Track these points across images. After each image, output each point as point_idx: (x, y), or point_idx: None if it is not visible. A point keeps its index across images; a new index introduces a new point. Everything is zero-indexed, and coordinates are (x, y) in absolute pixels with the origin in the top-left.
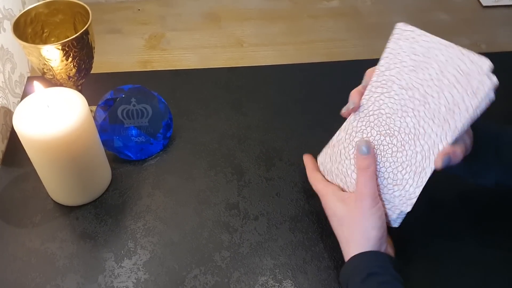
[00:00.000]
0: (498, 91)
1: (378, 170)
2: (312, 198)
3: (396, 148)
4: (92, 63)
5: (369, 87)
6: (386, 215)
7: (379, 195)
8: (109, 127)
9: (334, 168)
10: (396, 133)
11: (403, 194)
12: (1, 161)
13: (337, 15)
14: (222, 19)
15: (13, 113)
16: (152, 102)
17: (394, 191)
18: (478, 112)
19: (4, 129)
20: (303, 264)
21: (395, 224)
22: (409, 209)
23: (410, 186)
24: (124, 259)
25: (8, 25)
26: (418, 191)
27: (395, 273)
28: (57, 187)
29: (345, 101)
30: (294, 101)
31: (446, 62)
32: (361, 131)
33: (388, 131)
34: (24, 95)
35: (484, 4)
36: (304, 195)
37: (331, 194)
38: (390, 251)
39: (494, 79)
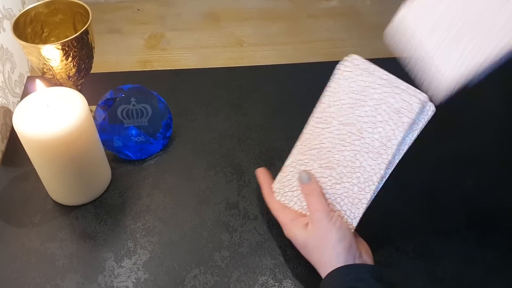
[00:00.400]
0: (497, 91)
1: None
2: None
3: (335, 180)
4: (92, 63)
5: (312, 122)
6: (346, 220)
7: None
8: (108, 126)
9: (289, 195)
10: (335, 166)
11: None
12: (1, 160)
13: (336, 15)
14: (222, 19)
15: (13, 112)
16: (152, 102)
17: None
18: (410, 141)
19: (4, 129)
20: (303, 263)
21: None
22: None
23: (347, 217)
24: (124, 259)
25: (8, 25)
26: (355, 222)
27: (373, 282)
28: (57, 186)
29: None
30: (293, 101)
31: (380, 100)
32: (304, 164)
33: (328, 164)
34: (24, 94)
35: None
36: None
37: (290, 222)
38: (366, 258)
39: (429, 110)
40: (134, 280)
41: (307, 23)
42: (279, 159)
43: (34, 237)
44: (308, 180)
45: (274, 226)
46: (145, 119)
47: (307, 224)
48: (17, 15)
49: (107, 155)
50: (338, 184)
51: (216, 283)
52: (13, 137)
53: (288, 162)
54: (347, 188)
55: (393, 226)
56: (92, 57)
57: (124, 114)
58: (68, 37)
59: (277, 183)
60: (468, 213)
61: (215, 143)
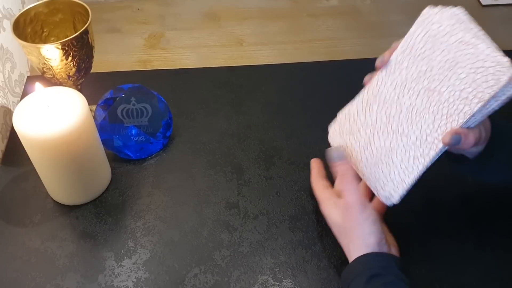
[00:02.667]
0: None
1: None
2: (312, 197)
3: (401, 129)
4: (91, 63)
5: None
6: (401, 178)
7: (389, 153)
8: (109, 126)
9: (349, 138)
10: (403, 116)
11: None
12: (1, 160)
13: (336, 14)
14: (222, 18)
15: (13, 112)
16: (152, 101)
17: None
18: (495, 105)
19: (4, 128)
20: (303, 263)
21: (395, 199)
22: (416, 172)
23: (402, 175)
24: (124, 258)
25: (7, 25)
26: (409, 183)
27: (399, 273)
28: (57, 186)
29: (345, 100)
30: (293, 100)
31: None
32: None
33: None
34: (24, 94)
35: (484, 3)
36: (304, 194)
37: (328, 200)
38: (394, 251)
39: None
40: (135, 280)
41: (307, 22)
42: (279, 158)
43: (34, 237)
44: (340, 158)
45: (274, 225)
46: (145, 118)
47: (341, 205)
48: (17, 15)
49: (107, 155)
50: (403, 134)
51: (216, 282)
52: (13, 136)
53: (351, 105)
54: (412, 141)
55: (393, 226)
56: (92, 57)
57: (124, 114)
58: (68, 37)
59: (335, 126)
60: (468, 213)
61: (215, 142)
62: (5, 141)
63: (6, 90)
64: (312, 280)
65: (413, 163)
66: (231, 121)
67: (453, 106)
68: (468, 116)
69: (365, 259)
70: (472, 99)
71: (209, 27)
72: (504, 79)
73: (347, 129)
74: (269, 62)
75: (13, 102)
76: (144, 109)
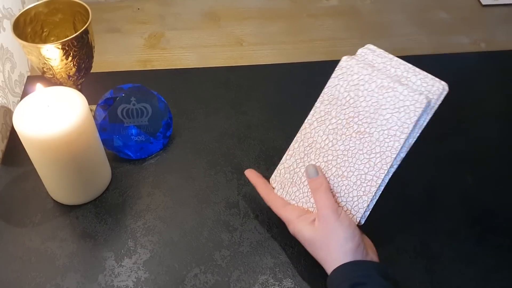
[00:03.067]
0: (497, 90)
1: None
2: None
3: (340, 172)
4: (91, 62)
5: (312, 114)
6: (352, 214)
7: (339, 193)
8: (109, 126)
9: (292, 190)
10: (339, 159)
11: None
12: (1, 160)
13: (336, 14)
14: (222, 18)
15: (13, 112)
16: (152, 101)
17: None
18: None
19: (4, 128)
20: (303, 262)
21: (363, 220)
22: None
23: (355, 212)
24: (124, 258)
25: (7, 24)
26: (362, 219)
27: (380, 279)
28: (57, 186)
29: None
30: (293, 100)
31: (387, 90)
32: (306, 158)
33: (331, 158)
34: (24, 94)
35: (484, 2)
36: None
37: (296, 219)
38: (373, 256)
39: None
40: (135, 280)
41: (307, 22)
42: (279, 158)
43: (34, 237)
44: (315, 174)
45: (274, 225)
46: (145, 118)
47: (313, 220)
48: (17, 15)
49: (107, 155)
50: (344, 177)
51: (216, 282)
52: (13, 136)
53: (287, 157)
54: (353, 182)
55: (394, 226)
56: (92, 57)
57: (124, 114)
58: (68, 37)
59: (277, 180)
60: (468, 213)
61: (215, 142)
62: (5, 141)
63: (6, 90)
64: (312, 280)
65: (358, 201)
66: (231, 121)
67: (384, 144)
68: (398, 150)
69: (344, 270)
70: (399, 135)
71: (209, 27)
72: (419, 111)
73: (289, 181)
74: (269, 62)
75: (13, 102)
76: (144, 109)
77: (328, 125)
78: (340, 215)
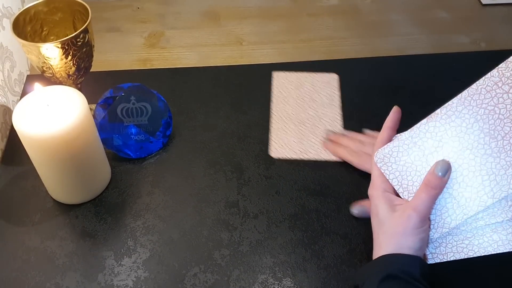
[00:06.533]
0: None
1: (460, 164)
2: (312, 196)
3: (490, 152)
4: (91, 62)
5: (496, 78)
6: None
7: (445, 193)
8: (108, 125)
9: (392, 167)
10: (499, 137)
11: (473, 198)
12: (0, 159)
13: (336, 13)
14: (222, 18)
15: (12, 111)
16: (152, 101)
17: (465, 191)
18: None
19: (3, 127)
20: (302, 262)
21: (430, 259)
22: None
23: (484, 194)
24: (123, 257)
25: (7, 23)
26: (490, 203)
27: (419, 278)
28: (57, 185)
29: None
30: None
31: None
32: (462, 117)
33: (491, 132)
34: (24, 93)
35: (484, 2)
36: (304, 193)
37: (382, 192)
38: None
39: None
40: (134, 279)
41: (307, 21)
42: (279, 157)
43: (34, 236)
44: (442, 175)
45: (274, 224)
46: (145, 117)
47: (396, 205)
48: (17, 14)
49: (107, 154)
50: (492, 157)
51: (216, 281)
52: (12, 136)
53: (409, 134)
54: (501, 165)
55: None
56: (92, 56)
57: (124, 113)
58: (67, 36)
59: (384, 149)
60: None
61: (215, 141)
62: (5, 140)
63: (6, 89)
64: (312, 280)
65: (484, 201)
66: (231, 120)
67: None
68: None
69: (389, 258)
70: None
71: (209, 26)
72: None
73: (406, 153)
74: (268, 61)
75: (12, 101)
76: (144, 108)
77: (509, 94)
78: (423, 226)
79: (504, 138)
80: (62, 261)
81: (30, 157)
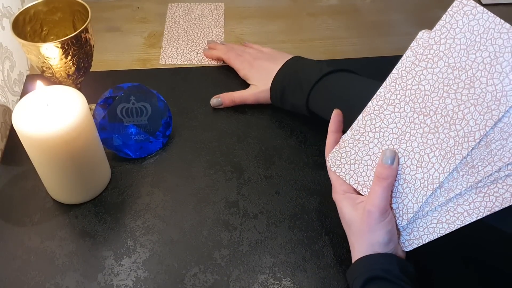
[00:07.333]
0: None
1: (404, 149)
2: (311, 196)
3: (428, 129)
4: (91, 61)
5: (412, 58)
6: (397, 229)
7: (399, 180)
8: (108, 125)
9: (345, 168)
10: (431, 113)
11: (426, 178)
12: (0, 159)
13: (336, 13)
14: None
15: (12, 111)
16: (152, 100)
17: (416, 173)
18: None
19: (3, 127)
20: (302, 262)
21: (407, 246)
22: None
23: (435, 171)
24: (123, 257)
25: (7, 23)
26: (442, 177)
27: (400, 274)
28: (57, 185)
29: None
30: None
31: (503, 47)
32: (393, 104)
33: (423, 110)
34: (23, 93)
35: (484, 2)
36: (304, 193)
37: (343, 194)
38: (400, 253)
39: None
40: (134, 279)
41: (307, 21)
42: (279, 157)
43: (33, 236)
44: (391, 163)
45: (273, 224)
46: (145, 117)
47: (359, 203)
48: (17, 13)
49: (107, 154)
50: (431, 133)
51: (215, 281)
52: (12, 135)
53: (365, 110)
54: (442, 139)
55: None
56: (92, 56)
57: (124, 113)
58: (67, 36)
59: (334, 153)
60: None
61: (215, 141)
62: (5, 140)
63: (6, 89)
64: (312, 279)
65: (407, 207)
66: (231, 120)
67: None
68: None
69: (366, 261)
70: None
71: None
72: None
73: (352, 152)
74: None
75: (12, 101)
76: (143, 108)
77: (429, 69)
78: (385, 218)
79: (436, 112)
80: (62, 261)
81: (30, 157)
